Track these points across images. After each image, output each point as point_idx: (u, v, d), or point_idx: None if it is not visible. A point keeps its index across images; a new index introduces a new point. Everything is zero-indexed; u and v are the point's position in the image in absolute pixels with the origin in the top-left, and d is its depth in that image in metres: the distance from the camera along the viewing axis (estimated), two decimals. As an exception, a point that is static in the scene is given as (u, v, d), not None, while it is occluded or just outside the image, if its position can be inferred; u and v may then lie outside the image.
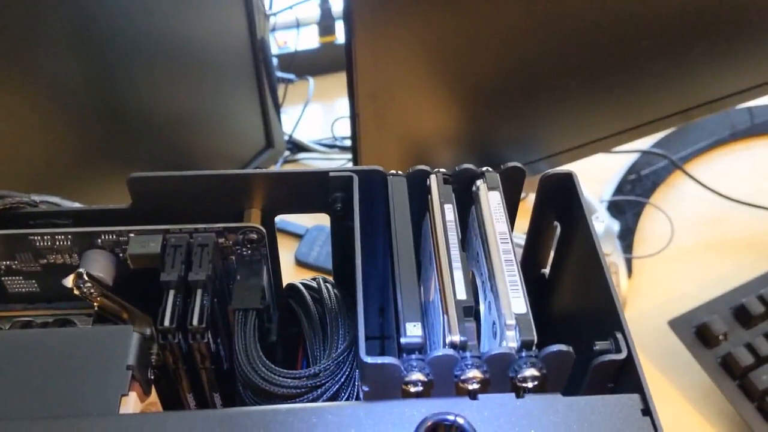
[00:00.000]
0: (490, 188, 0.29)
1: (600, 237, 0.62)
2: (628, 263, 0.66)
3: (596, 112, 0.61)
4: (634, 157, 0.76)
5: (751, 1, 0.59)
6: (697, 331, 0.58)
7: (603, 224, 0.64)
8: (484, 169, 0.30)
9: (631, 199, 0.72)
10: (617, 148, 0.67)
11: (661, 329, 0.59)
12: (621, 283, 0.63)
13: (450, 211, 0.28)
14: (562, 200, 0.30)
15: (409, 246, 0.27)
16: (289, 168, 0.76)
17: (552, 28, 0.52)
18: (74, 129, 0.48)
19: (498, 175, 0.29)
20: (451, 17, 0.48)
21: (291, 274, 0.67)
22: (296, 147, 0.78)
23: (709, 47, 0.61)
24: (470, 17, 0.48)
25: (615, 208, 0.71)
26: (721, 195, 0.71)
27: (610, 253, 0.62)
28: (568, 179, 0.29)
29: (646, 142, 0.75)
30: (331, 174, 0.29)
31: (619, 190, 0.73)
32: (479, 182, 0.29)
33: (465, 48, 0.50)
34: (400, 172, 0.30)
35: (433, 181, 0.29)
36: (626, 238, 0.68)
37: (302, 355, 0.33)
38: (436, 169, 0.30)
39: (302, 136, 0.78)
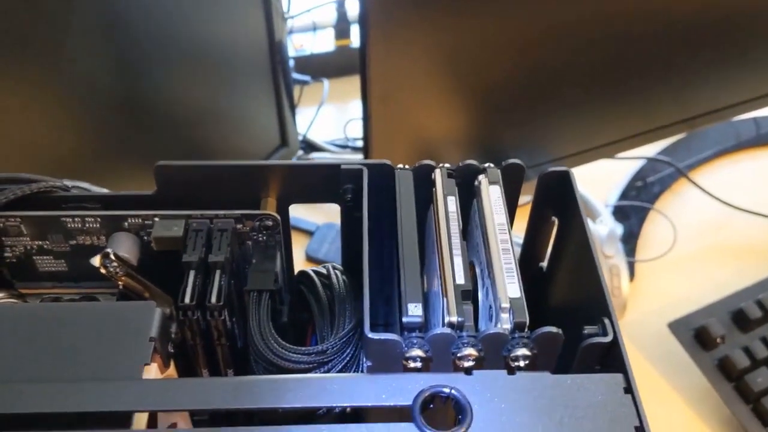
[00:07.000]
0: (491, 183, 0.31)
1: (603, 240, 0.65)
2: (631, 267, 0.67)
3: (601, 119, 0.63)
4: (640, 163, 0.78)
5: (756, 13, 0.60)
6: (696, 334, 0.59)
7: (607, 227, 0.66)
8: (485, 165, 0.32)
9: (635, 205, 0.74)
10: (623, 155, 0.69)
11: (660, 331, 0.60)
12: (623, 285, 0.64)
13: (452, 203, 0.30)
14: (559, 196, 0.32)
15: (413, 235, 0.29)
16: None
17: (561, 36, 0.53)
18: (100, 122, 0.50)
19: (499, 170, 0.31)
20: (463, 24, 0.49)
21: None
22: (309, 147, 0.80)
23: (714, 57, 0.62)
24: (482, 25, 0.50)
25: (620, 213, 0.73)
26: (724, 203, 0.72)
27: (613, 255, 0.64)
28: (565, 177, 0.31)
29: (652, 150, 0.77)
30: (342, 167, 0.31)
31: (625, 195, 0.75)
32: (481, 177, 0.31)
33: (476, 54, 0.52)
34: (407, 166, 0.32)
35: (438, 175, 0.31)
36: (630, 242, 0.70)
37: (310, 339, 0.35)
38: (440, 164, 0.32)
39: (315, 137, 0.80)
